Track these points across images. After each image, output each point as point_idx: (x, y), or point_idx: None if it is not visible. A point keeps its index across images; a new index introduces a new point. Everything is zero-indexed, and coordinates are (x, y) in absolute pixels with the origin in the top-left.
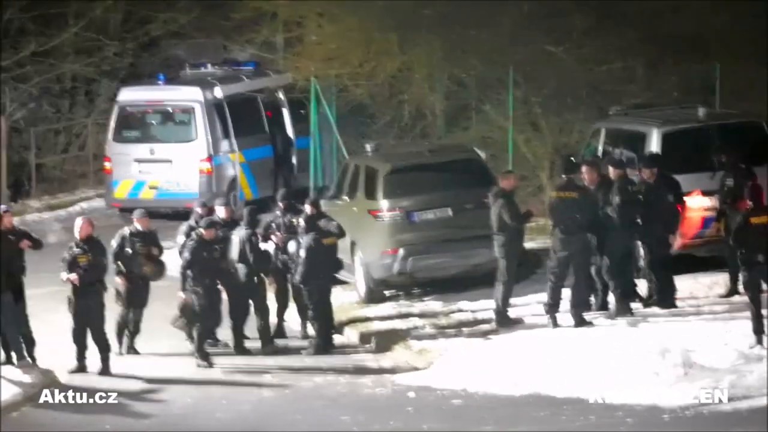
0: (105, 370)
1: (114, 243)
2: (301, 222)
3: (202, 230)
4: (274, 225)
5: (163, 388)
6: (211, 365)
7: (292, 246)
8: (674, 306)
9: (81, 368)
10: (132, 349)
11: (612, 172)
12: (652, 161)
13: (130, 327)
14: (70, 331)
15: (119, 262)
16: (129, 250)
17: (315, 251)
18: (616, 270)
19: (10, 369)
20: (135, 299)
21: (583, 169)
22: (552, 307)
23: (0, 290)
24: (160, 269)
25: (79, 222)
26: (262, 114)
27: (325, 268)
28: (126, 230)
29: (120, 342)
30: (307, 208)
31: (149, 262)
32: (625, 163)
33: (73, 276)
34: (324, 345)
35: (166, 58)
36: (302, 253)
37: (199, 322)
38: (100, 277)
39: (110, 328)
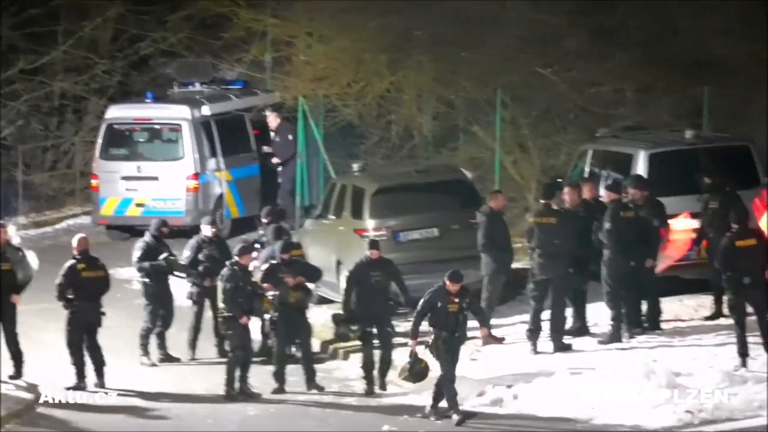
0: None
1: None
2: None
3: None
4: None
5: (145, 405)
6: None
7: None
8: (659, 328)
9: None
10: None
11: (606, 195)
12: (641, 183)
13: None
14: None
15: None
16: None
17: None
18: (613, 297)
19: None
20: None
21: (565, 190)
22: (533, 333)
23: None
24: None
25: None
26: (250, 133)
27: None
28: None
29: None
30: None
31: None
32: (621, 186)
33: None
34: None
35: (156, 76)
36: None
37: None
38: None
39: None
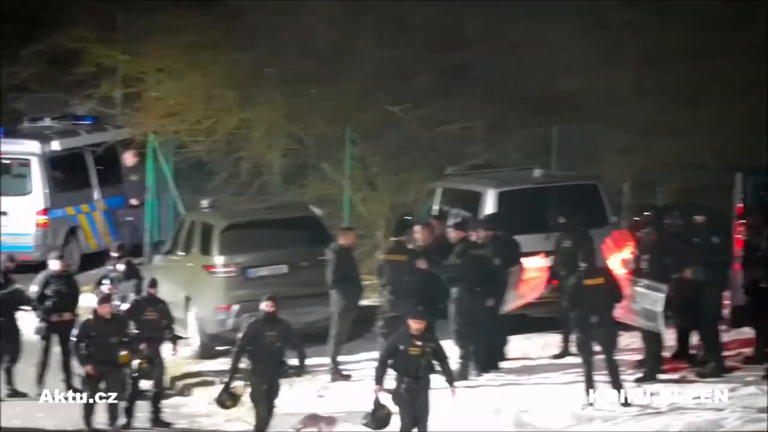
0: None
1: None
2: None
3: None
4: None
5: None
6: None
7: None
8: (496, 367)
9: None
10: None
11: (453, 234)
12: (489, 222)
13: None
14: None
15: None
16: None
17: None
18: (461, 335)
19: None
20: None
21: (416, 228)
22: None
23: None
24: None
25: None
26: (113, 166)
27: None
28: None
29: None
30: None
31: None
32: (469, 224)
33: None
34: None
35: (7, 111)
36: None
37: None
38: None
39: None
